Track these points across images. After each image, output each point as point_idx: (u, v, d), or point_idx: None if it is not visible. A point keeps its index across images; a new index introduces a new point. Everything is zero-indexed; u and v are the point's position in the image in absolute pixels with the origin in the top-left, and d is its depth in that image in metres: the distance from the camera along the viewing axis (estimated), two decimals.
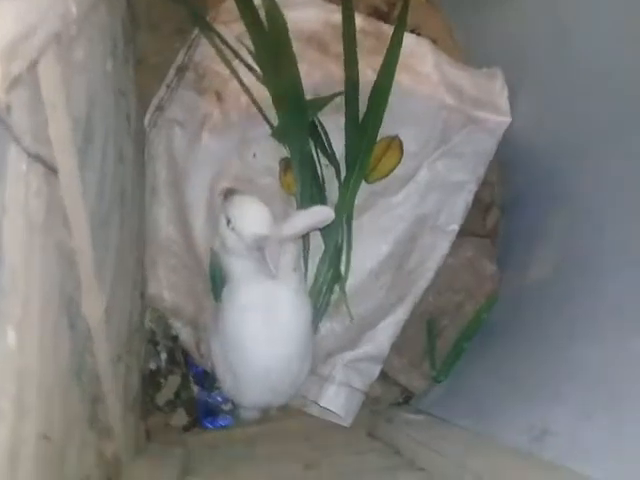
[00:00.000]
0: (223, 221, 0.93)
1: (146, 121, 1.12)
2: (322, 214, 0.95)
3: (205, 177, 1.14)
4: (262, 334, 0.93)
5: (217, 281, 1.06)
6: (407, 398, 1.12)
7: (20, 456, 0.44)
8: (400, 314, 1.08)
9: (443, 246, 1.13)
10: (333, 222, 0.95)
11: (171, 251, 1.08)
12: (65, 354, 0.56)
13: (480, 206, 1.20)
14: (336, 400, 1.02)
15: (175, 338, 1.09)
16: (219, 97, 1.17)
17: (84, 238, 0.63)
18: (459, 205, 1.15)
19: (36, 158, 0.47)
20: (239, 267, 0.94)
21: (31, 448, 0.46)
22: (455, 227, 1.13)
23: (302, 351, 0.97)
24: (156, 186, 1.10)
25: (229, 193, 0.97)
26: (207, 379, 1.08)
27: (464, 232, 1.14)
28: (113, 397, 0.77)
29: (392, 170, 1.21)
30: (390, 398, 1.12)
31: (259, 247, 0.89)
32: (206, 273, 1.09)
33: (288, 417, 1.06)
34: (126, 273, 0.90)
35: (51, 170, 0.51)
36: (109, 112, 0.76)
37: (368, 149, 1.19)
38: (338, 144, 1.19)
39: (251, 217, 0.91)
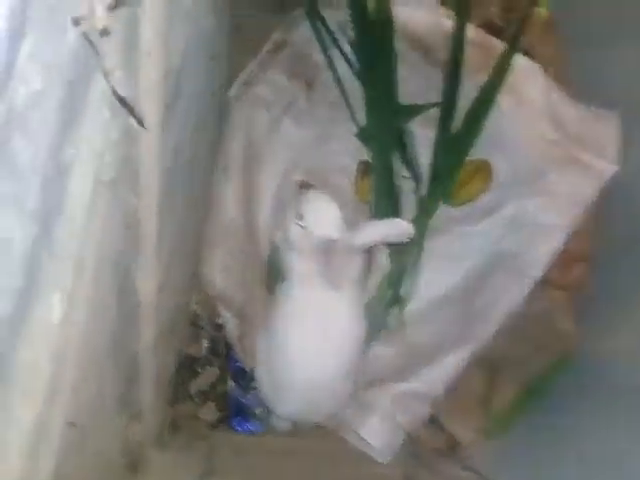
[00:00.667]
0: (293, 214, 0.85)
1: (231, 93, 1.06)
2: (400, 228, 0.86)
3: (279, 164, 1.07)
4: (311, 342, 0.85)
5: (274, 274, 0.98)
6: (452, 447, 1.01)
7: (42, 441, 0.37)
8: (461, 355, 0.97)
9: (519, 292, 1.01)
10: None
11: (231, 233, 1.01)
12: (108, 332, 0.49)
13: (566, 255, 1.08)
14: (377, 433, 0.92)
15: (220, 327, 1.02)
16: (309, 85, 1.10)
17: (152, 204, 0.56)
18: (544, 251, 1.03)
19: (122, 103, 0.40)
20: (300, 266, 0.87)
21: (56, 433, 0.39)
22: (536, 274, 1.01)
23: (349, 369, 0.89)
24: (229, 163, 1.03)
25: (305, 186, 0.89)
26: (245, 378, 1.01)
27: (542, 280, 1.03)
28: (148, 379, 0.71)
29: (477, 196, 1.10)
30: (433, 443, 1.01)
31: (326, 251, 0.81)
32: (264, 263, 1.02)
33: (323, 437, 0.97)
34: (184, 248, 0.84)
35: (136, 121, 0.44)
36: (199, 73, 0.70)
37: (456, 168, 1.09)
38: (422, 160, 1.10)
39: (325, 217, 0.84)
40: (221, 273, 0.99)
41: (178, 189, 0.72)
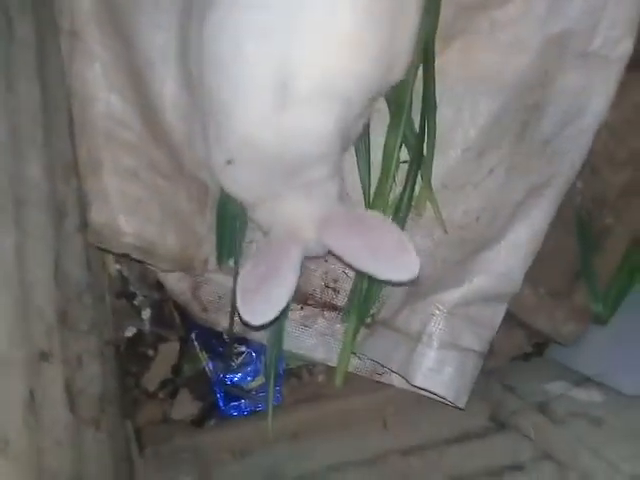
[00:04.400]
0: None
1: None
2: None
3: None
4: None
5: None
6: (539, 346, 0.70)
7: None
8: (536, 217, 0.61)
9: (606, 87, 0.63)
10: None
11: (121, 141, 0.60)
12: None
13: None
14: (439, 375, 0.60)
15: (160, 286, 0.66)
16: None
17: None
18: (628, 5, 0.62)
19: None
20: None
21: None
22: (626, 47, 0.62)
23: None
24: (76, 23, 0.59)
25: None
26: (219, 343, 0.67)
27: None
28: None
29: None
30: (511, 347, 0.69)
31: None
32: (190, 175, 0.63)
33: (353, 392, 0.66)
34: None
35: None
36: None
37: None
38: None
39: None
40: (126, 214, 0.59)
41: None
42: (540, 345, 0.71)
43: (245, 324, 0.53)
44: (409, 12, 0.58)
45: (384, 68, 0.57)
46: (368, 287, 0.67)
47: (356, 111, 0.57)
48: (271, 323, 0.54)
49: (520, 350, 0.71)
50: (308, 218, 0.56)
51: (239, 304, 0.52)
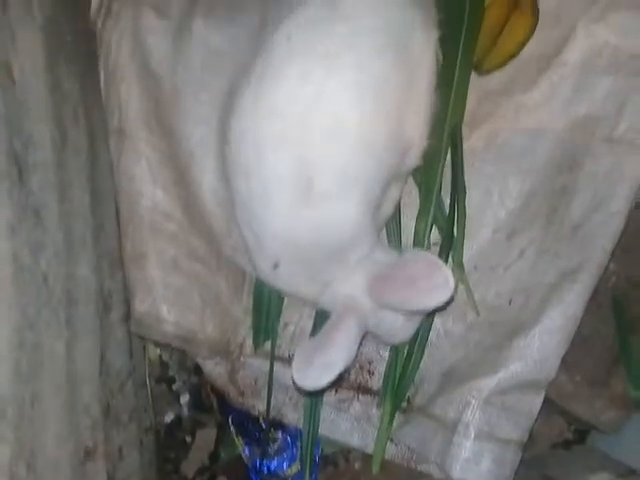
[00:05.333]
0: None
1: (94, 4, 0.64)
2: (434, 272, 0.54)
3: (211, 93, 0.66)
4: None
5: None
6: (580, 433, 0.68)
7: None
8: (570, 302, 0.61)
9: (634, 171, 0.63)
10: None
11: (164, 232, 0.63)
12: None
13: None
14: (477, 466, 0.59)
15: (198, 370, 0.68)
16: None
17: None
18: None
19: None
20: None
21: None
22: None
23: None
24: (125, 122, 0.64)
25: None
26: (256, 429, 0.67)
27: None
28: None
29: (520, 47, 0.70)
30: (551, 433, 0.68)
31: None
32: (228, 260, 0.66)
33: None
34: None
35: None
36: None
37: (474, 12, 0.68)
38: None
39: None
40: (168, 303, 0.61)
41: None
42: (582, 432, 0.69)
43: (298, 389, 0.54)
44: (419, 100, 0.61)
45: (397, 155, 0.60)
46: (403, 369, 0.67)
47: (376, 194, 0.59)
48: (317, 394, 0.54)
49: (561, 437, 0.69)
50: (360, 290, 0.57)
51: (295, 368, 0.53)
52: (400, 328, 0.60)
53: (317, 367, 0.53)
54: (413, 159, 0.64)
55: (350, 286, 0.58)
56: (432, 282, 0.53)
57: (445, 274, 0.53)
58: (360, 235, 0.58)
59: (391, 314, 0.58)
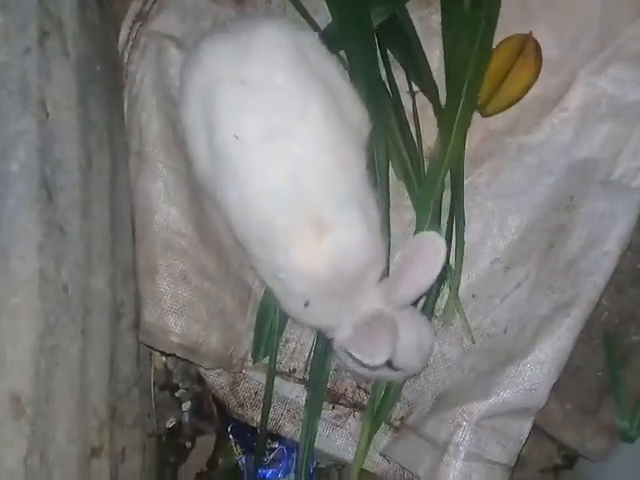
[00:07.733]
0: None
1: (121, 39, 0.69)
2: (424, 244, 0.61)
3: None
4: None
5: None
6: (568, 459, 0.70)
7: None
8: (561, 336, 0.64)
9: (628, 214, 0.66)
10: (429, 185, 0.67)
11: (176, 248, 0.66)
12: None
13: None
14: None
15: (201, 379, 0.71)
16: None
17: None
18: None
19: None
20: None
21: None
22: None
23: None
24: (144, 145, 0.68)
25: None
26: (253, 438, 0.70)
27: None
28: None
29: (524, 92, 0.75)
30: (540, 458, 0.70)
31: None
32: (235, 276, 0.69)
33: None
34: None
35: None
36: None
37: (482, 59, 0.72)
38: (431, 55, 0.77)
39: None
40: (175, 315, 0.65)
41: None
42: (570, 458, 0.71)
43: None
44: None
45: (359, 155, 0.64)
46: (385, 393, 0.69)
47: (371, 204, 0.63)
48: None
49: (550, 461, 0.71)
50: (385, 302, 0.61)
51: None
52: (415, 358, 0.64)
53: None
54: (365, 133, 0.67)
55: (378, 303, 0.61)
56: (425, 250, 0.59)
57: (436, 238, 0.60)
58: (374, 253, 0.61)
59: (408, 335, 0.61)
